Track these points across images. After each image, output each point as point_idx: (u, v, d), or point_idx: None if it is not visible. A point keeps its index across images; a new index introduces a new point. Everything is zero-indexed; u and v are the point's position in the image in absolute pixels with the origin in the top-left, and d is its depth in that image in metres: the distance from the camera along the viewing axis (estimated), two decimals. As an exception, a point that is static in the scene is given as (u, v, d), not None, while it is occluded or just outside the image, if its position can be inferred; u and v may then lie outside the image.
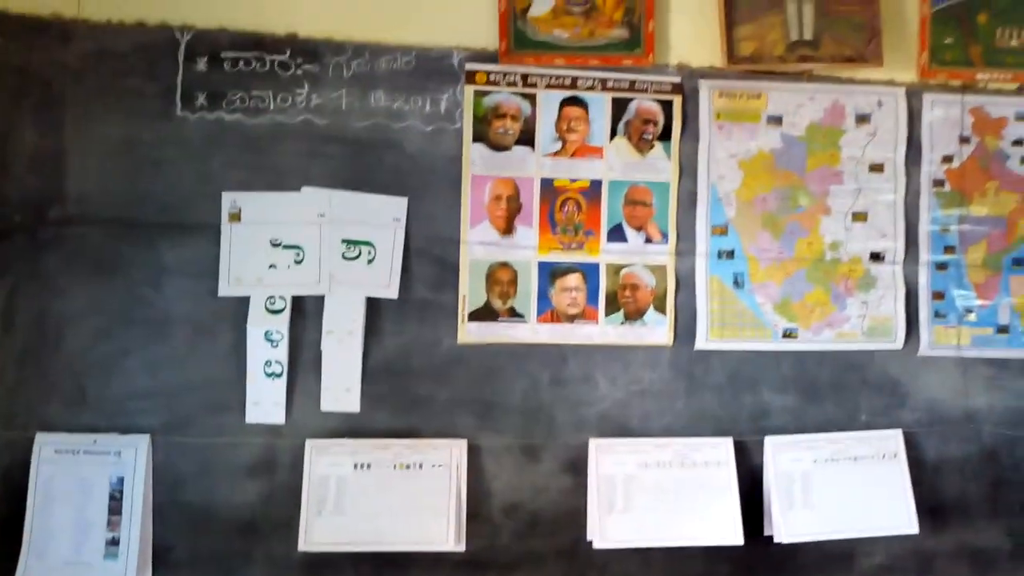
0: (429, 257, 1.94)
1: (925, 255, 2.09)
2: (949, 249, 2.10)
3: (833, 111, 2.07)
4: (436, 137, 1.95)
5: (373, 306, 1.92)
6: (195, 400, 1.87)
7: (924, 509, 2.01)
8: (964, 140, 2.11)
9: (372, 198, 1.92)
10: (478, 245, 1.96)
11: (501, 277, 1.97)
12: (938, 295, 2.10)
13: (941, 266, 2.10)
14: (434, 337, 1.94)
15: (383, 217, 1.92)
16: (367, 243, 1.92)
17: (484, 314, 1.95)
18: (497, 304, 1.96)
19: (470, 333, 1.95)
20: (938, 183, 2.10)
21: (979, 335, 2.10)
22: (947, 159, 2.10)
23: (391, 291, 1.91)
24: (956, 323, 2.09)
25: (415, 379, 1.94)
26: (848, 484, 1.99)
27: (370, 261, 1.91)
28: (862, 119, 2.07)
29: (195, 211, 1.88)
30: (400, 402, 1.93)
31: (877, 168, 2.08)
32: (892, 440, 2.04)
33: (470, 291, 1.95)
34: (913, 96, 2.09)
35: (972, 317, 2.10)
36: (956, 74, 2.11)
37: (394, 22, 1.94)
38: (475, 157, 1.96)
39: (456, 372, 1.94)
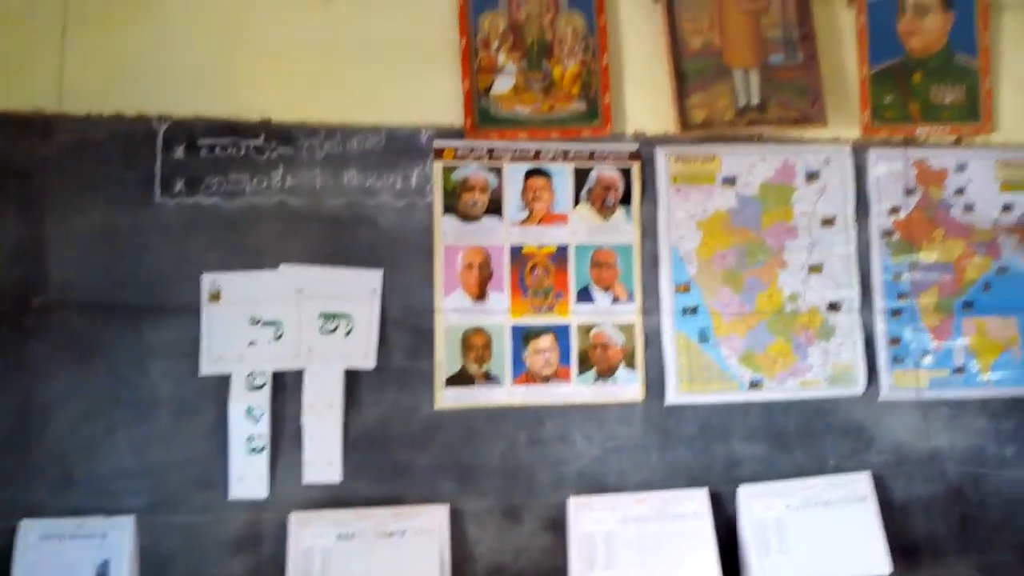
0: (405, 326, 2.03)
1: (880, 302, 2.21)
2: (902, 296, 2.23)
3: (784, 170, 2.21)
4: (408, 211, 2.06)
5: (352, 377, 1.99)
6: (179, 478, 1.92)
7: (896, 548, 2.09)
8: (909, 191, 2.26)
9: (348, 272, 2.02)
10: (452, 312, 2.05)
11: (476, 342, 2.06)
12: (895, 340, 2.22)
13: (896, 312, 2.23)
14: (412, 404, 2.02)
15: (360, 290, 2.02)
16: (344, 316, 2.00)
17: (460, 379, 2.04)
18: (473, 369, 2.05)
19: (447, 399, 2.03)
20: (887, 233, 2.24)
21: (936, 377, 2.22)
22: (894, 210, 2.24)
23: (369, 361, 1.99)
24: (914, 366, 2.21)
25: (395, 446, 2.01)
26: (821, 528, 2.07)
27: (348, 333, 2.00)
28: (812, 176, 2.22)
29: (175, 293, 1.95)
30: (381, 470, 2.00)
31: (829, 222, 2.21)
32: (861, 483, 2.13)
33: (446, 357, 2.03)
34: (858, 152, 2.24)
35: (929, 360, 2.21)
36: (897, 130, 2.27)
37: (363, 104, 2.06)
38: (446, 228, 2.06)
39: (435, 438, 2.02)
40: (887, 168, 2.23)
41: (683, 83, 2.13)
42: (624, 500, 2.02)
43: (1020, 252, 2.27)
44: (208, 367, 1.92)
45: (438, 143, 2.06)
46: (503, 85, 2.08)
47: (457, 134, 2.07)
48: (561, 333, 2.09)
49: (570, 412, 2.07)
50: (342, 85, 2.06)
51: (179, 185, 1.96)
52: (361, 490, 1.97)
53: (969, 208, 2.26)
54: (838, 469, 2.15)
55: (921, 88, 2.26)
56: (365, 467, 1.98)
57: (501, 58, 2.09)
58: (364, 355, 1.98)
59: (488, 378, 2.04)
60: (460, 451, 2.01)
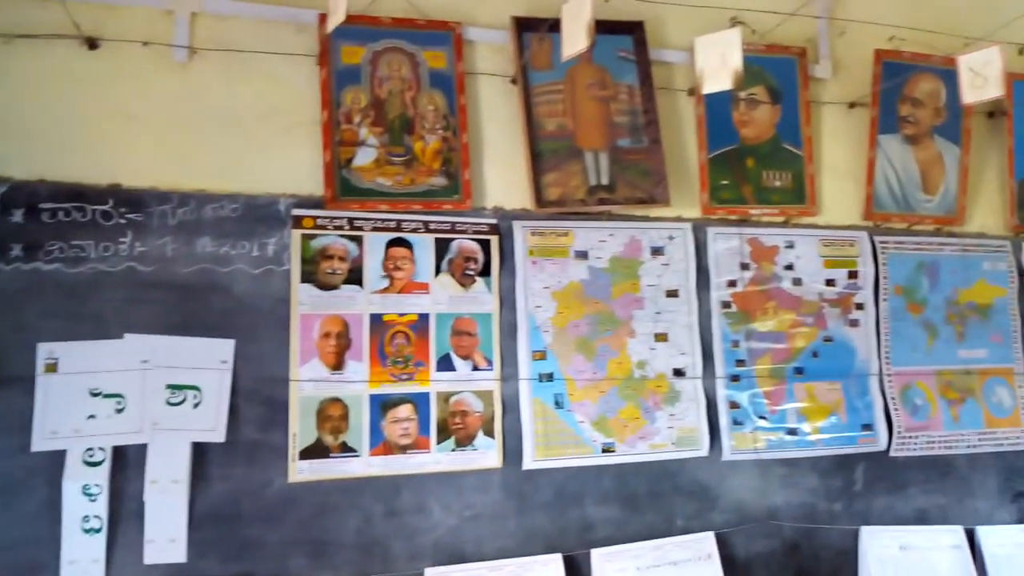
0: (258, 397, 2.03)
1: (720, 369, 2.41)
2: (740, 362, 2.44)
3: (631, 245, 2.40)
4: (264, 279, 2.08)
5: (199, 451, 1.96)
6: (5, 563, 1.81)
7: (738, 605, 2.23)
8: (744, 267, 2.50)
9: (198, 342, 2.00)
10: (308, 382, 2.07)
11: (332, 412, 2.08)
12: (734, 404, 2.42)
13: (735, 378, 2.43)
14: (264, 478, 2.00)
15: (210, 360, 2.00)
16: (193, 387, 1.98)
17: (315, 451, 2.05)
18: (329, 440, 2.07)
19: (301, 471, 2.03)
20: (725, 305, 2.46)
21: (772, 439, 2.43)
22: (731, 283, 2.47)
23: (218, 434, 1.97)
24: (752, 429, 2.41)
25: (245, 523, 1.98)
26: (670, 588, 2.19)
27: (196, 405, 1.97)
28: (657, 251, 2.42)
29: (8, 364, 1.87)
30: (229, 548, 1.96)
31: (673, 294, 2.41)
32: (706, 542, 2.28)
33: (300, 429, 2.04)
34: (699, 230, 2.46)
35: (765, 423, 2.43)
36: (733, 210, 2.52)
37: (220, 172, 2.09)
38: (303, 297, 2.10)
39: (288, 512, 2.00)
40: (725, 245, 2.47)
41: (538, 162, 2.29)
42: (480, 569, 2.07)
43: (842, 322, 2.55)
44: (40, 442, 1.84)
45: (297, 212, 2.10)
46: (365, 158, 2.17)
47: (317, 204, 2.12)
48: (421, 402, 2.14)
49: (428, 481, 2.11)
50: (198, 151, 2.07)
51: (16, 250, 1.91)
52: (208, 570, 1.92)
53: (797, 282, 2.52)
54: (686, 529, 2.29)
55: (754, 173, 2.53)
56: (212, 545, 1.94)
57: (363, 132, 2.18)
58: (213, 428, 1.96)
59: (345, 449, 2.06)
60: (313, 525, 2.01)
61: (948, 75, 2.38)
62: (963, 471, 2.59)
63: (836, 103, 2.65)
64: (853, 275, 2.55)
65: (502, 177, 2.28)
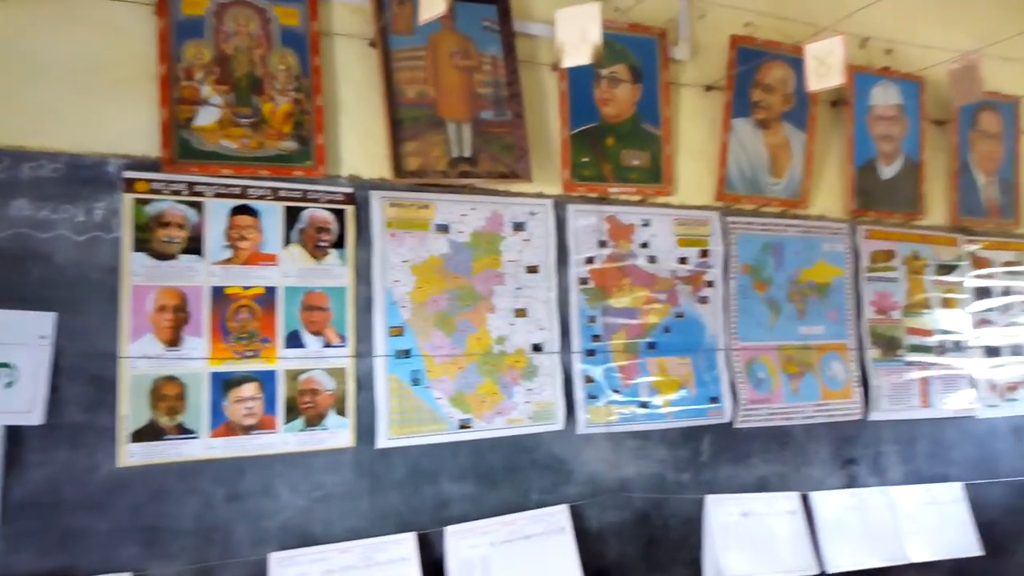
0: (83, 376, 1.90)
1: (577, 344, 2.48)
2: (596, 338, 2.52)
3: (493, 220, 2.41)
4: (91, 247, 1.93)
5: (14, 435, 1.81)
6: None
7: (591, 574, 2.33)
8: (602, 244, 2.58)
9: (12, 315, 1.84)
10: (141, 359, 1.95)
11: (168, 392, 1.97)
12: (590, 379, 2.50)
13: (591, 353, 2.51)
14: (89, 463, 1.88)
15: (25, 336, 1.85)
16: (6, 365, 1.83)
17: (148, 433, 1.94)
18: (164, 421, 1.96)
19: (132, 455, 1.92)
20: (583, 281, 2.53)
21: (625, 412, 2.53)
22: (589, 260, 2.54)
23: (35, 416, 1.83)
24: (606, 403, 2.50)
25: (67, 511, 1.85)
26: (524, 562, 2.25)
27: (9, 385, 1.82)
28: (518, 227, 2.44)
29: None
30: (49, 540, 1.83)
31: (533, 269, 2.45)
32: (560, 515, 2.35)
33: (131, 409, 1.93)
34: (559, 207, 2.51)
35: (619, 396, 2.52)
36: (593, 188, 2.58)
37: (39, 127, 1.92)
38: (136, 267, 1.97)
39: (117, 499, 1.90)
40: (584, 222, 2.53)
41: (398, 130, 2.25)
42: (329, 551, 2.04)
43: (694, 299, 2.68)
44: None
45: (129, 174, 1.97)
46: (207, 118, 2.05)
47: (153, 166, 1.99)
48: (267, 380, 2.08)
49: (275, 463, 2.06)
50: (12, 104, 1.89)
51: None
52: (22, 564, 1.79)
53: (652, 260, 2.63)
54: (540, 503, 2.35)
55: (613, 151, 2.61)
56: (28, 537, 1.81)
57: (205, 90, 2.06)
58: (29, 409, 1.81)
59: (182, 430, 1.97)
60: (146, 512, 1.91)
61: (797, 63, 2.53)
62: (800, 441, 2.81)
63: (694, 85, 2.77)
64: (704, 254, 2.69)
65: (359, 144, 2.23)
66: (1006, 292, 3.36)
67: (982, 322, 3.27)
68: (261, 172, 2.09)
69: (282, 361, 2.08)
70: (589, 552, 2.35)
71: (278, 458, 2.04)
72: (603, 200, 2.57)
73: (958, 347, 3.18)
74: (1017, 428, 3.30)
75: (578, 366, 2.44)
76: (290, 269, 2.11)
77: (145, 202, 1.97)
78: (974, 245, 3.29)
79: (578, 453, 2.42)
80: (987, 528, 3.02)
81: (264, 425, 2.03)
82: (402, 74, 2.27)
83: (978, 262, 3.29)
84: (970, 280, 3.26)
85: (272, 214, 2.11)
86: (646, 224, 2.62)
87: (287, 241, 2.12)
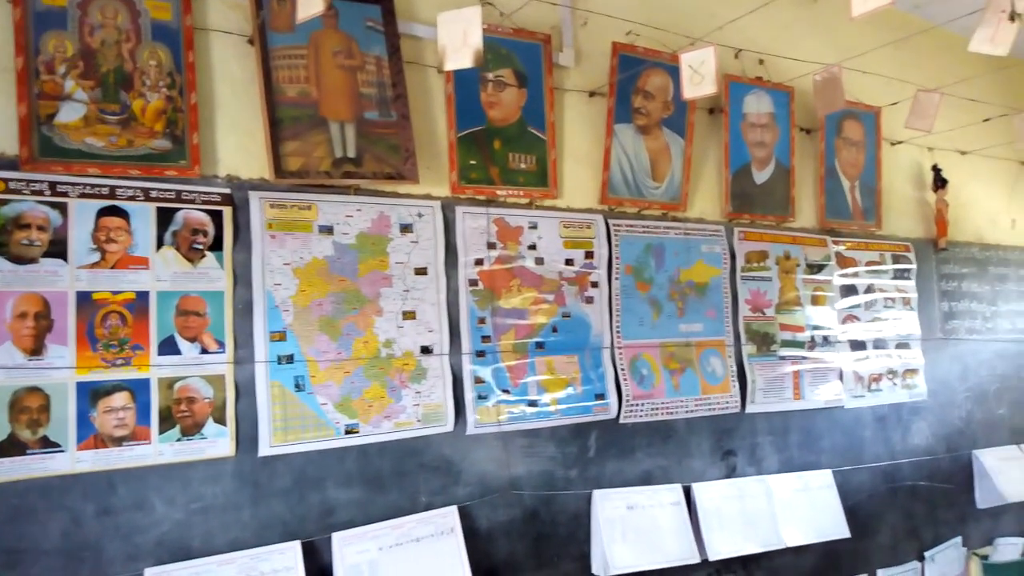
0: (-70, 389, 1.79)
1: (467, 345, 2.53)
2: (486, 339, 2.58)
3: (380, 221, 2.43)
4: (-62, 251, 1.83)
5: None
6: None
7: (481, 574, 2.38)
8: (491, 246, 2.64)
9: None
10: (-2, 370, 1.86)
11: (29, 403, 1.89)
12: (479, 380, 2.55)
13: (480, 354, 2.57)
14: (-61, 483, 1.77)
15: None
16: None
17: (8, 448, 1.86)
18: (25, 435, 1.88)
19: (-11, 472, 1.83)
20: (473, 283, 2.58)
21: (515, 411, 2.60)
22: (479, 262, 2.60)
23: None
24: (495, 403, 2.56)
25: (-88, 537, 1.74)
26: (413, 565, 2.28)
27: None
28: (405, 228, 2.47)
29: None
30: None
31: (422, 271, 2.49)
32: (449, 516, 2.40)
33: (-12, 424, 1.83)
34: (448, 208, 2.56)
35: (508, 396, 2.59)
36: (481, 190, 2.64)
37: None
38: (-8, 272, 1.88)
39: (-30, 520, 1.80)
40: (473, 224, 2.59)
41: (278, 130, 2.23)
42: (208, 564, 2.01)
43: (579, 299, 2.78)
44: None
45: (-18, 173, 1.87)
46: (71, 114, 1.98)
47: (10, 164, 1.91)
48: (139, 389, 2.02)
49: (149, 475, 2.01)
50: None
51: None
52: None
53: (540, 261, 2.71)
54: (430, 505, 2.39)
55: (500, 154, 2.68)
56: None
57: (69, 84, 1.99)
58: None
59: (46, 444, 1.89)
60: (6, 533, 1.83)
61: (675, 71, 2.67)
62: (682, 434, 2.97)
63: (578, 91, 2.88)
64: (589, 255, 2.80)
65: (237, 144, 2.20)
66: (869, 290, 3.65)
67: (848, 318, 3.54)
68: (131, 171, 2.04)
69: (156, 369, 2.03)
70: (479, 552, 2.40)
71: (153, 470, 2.00)
72: (491, 202, 2.63)
73: (827, 342, 3.44)
74: (880, 417, 3.60)
75: (468, 367, 2.50)
76: (163, 273, 2.06)
77: (2, 203, 1.89)
78: (840, 246, 3.56)
79: (468, 454, 2.47)
80: (854, 511, 3.29)
81: (137, 436, 1.98)
82: (282, 72, 2.26)
83: (844, 262, 3.56)
84: (837, 279, 3.52)
85: (143, 215, 2.06)
86: (533, 226, 2.70)
87: (160, 243, 2.07)
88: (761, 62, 3.31)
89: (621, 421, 2.77)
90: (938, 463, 3.78)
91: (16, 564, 1.82)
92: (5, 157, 1.91)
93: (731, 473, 3.06)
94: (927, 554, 3.62)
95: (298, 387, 2.20)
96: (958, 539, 3.75)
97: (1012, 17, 2.41)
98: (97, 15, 2.03)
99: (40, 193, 1.94)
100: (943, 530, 3.73)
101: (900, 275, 3.74)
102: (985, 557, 3.92)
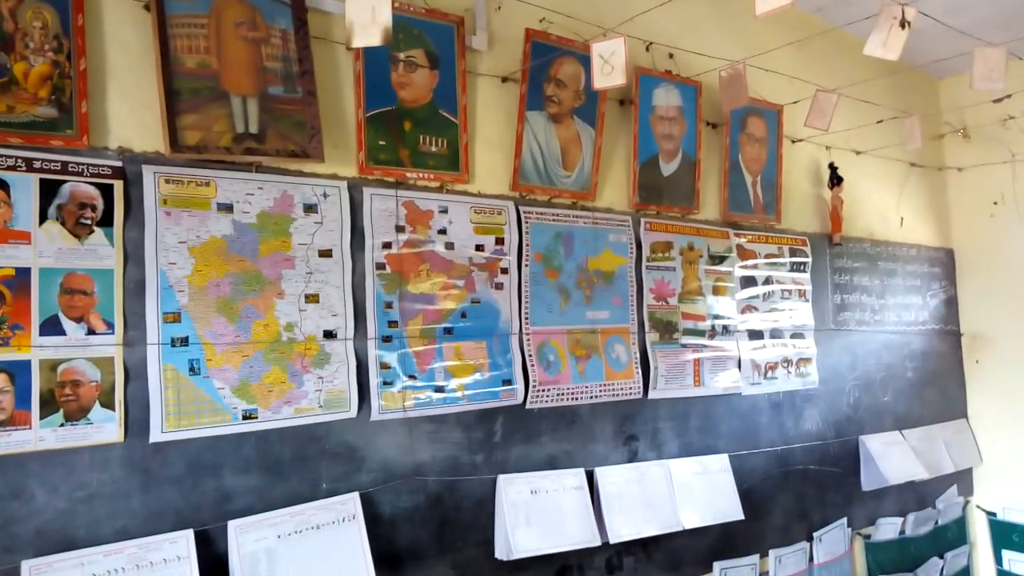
0: None
1: (373, 330, 2.52)
2: (393, 324, 2.57)
3: (283, 201, 2.38)
4: None
5: None
6: None
7: (383, 560, 2.38)
8: (400, 229, 2.62)
9: None
10: None
11: None
12: (385, 365, 2.54)
13: (387, 339, 2.55)
14: None
15: None
16: None
17: None
18: None
19: None
20: (380, 266, 2.56)
21: (421, 397, 2.60)
22: (387, 245, 2.58)
23: None
24: (401, 388, 2.56)
25: None
26: (312, 552, 2.26)
27: None
28: (310, 208, 2.43)
29: None
30: None
31: (326, 253, 2.45)
32: (350, 503, 2.38)
33: None
34: (355, 189, 2.52)
35: (414, 382, 2.59)
36: (390, 172, 2.62)
37: None
38: None
39: None
40: (381, 206, 2.56)
41: (175, 102, 2.15)
42: (94, 554, 1.94)
43: (489, 285, 2.80)
44: None
45: None
46: (-59, 75, 1.85)
47: None
48: (19, 370, 1.93)
49: (29, 462, 1.92)
50: None
51: None
52: None
53: (450, 246, 2.72)
54: (331, 492, 2.37)
55: (411, 136, 2.66)
56: None
57: (-61, 42, 1.85)
58: None
59: (-90, 429, 1.77)
60: None
61: (587, 61, 2.71)
62: (586, 419, 3.03)
63: (490, 76, 2.88)
64: (500, 242, 2.82)
65: (131, 115, 2.12)
66: (768, 281, 3.82)
67: (747, 308, 3.69)
68: (11, 140, 1.93)
69: (37, 350, 1.93)
70: (381, 538, 2.41)
71: (33, 456, 1.91)
72: (400, 185, 2.62)
73: (726, 331, 3.58)
74: (775, 403, 3.78)
75: (373, 352, 2.48)
76: (47, 248, 1.97)
77: None
78: (741, 238, 3.71)
79: (371, 440, 2.46)
80: (749, 494, 3.44)
81: (16, 421, 1.89)
82: (180, 41, 2.18)
83: (744, 254, 3.71)
84: (737, 270, 3.67)
85: (25, 186, 1.96)
86: (444, 211, 2.71)
87: (43, 218, 1.97)
88: (671, 56, 3.39)
89: (527, 407, 2.82)
90: (827, 448, 4.00)
91: None
92: None
93: (633, 457, 3.15)
94: (815, 535, 3.83)
95: (193, 371, 2.14)
96: (843, 520, 3.98)
97: (903, 24, 2.57)
98: (-26, -31, 1.90)
99: (-94, 159, 1.80)
100: (831, 511, 3.96)
101: (797, 268, 3.92)
102: (868, 536, 4.19)
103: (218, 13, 2.25)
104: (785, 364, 3.79)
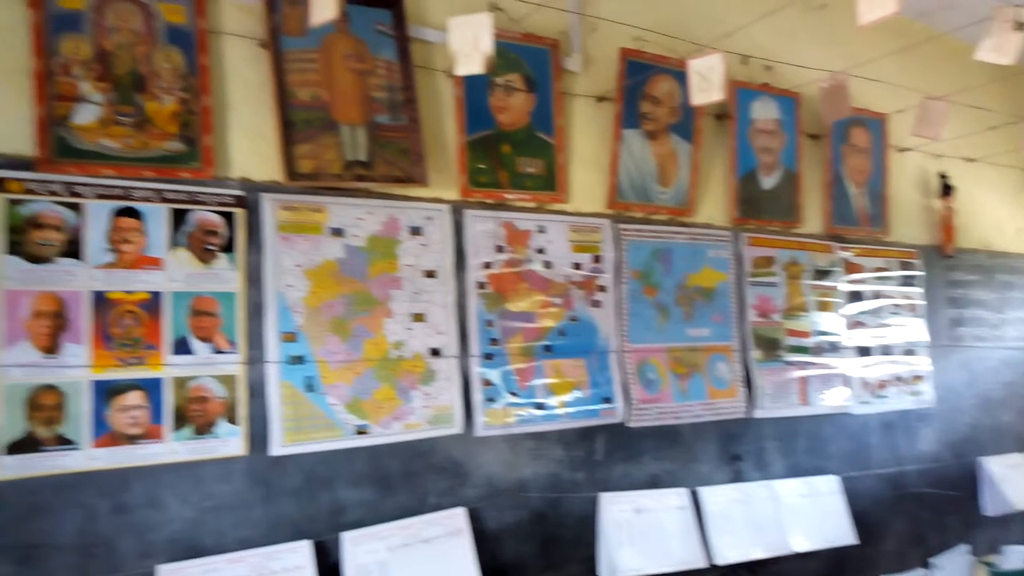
0: (-51, 386, 1.83)
1: (475, 348, 2.57)
2: (494, 341, 2.62)
3: (390, 224, 2.47)
4: (-43, 250, 1.87)
5: None
6: None
7: (488, 574, 2.41)
8: (499, 249, 2.68)
9: None
10: (15, 368, 1.91)
11: (45, 401, 1.93)
12: (487, 382, 2.59)
13: (488, 356, 2.60)
14: (-44, 479, 1.81)
15: None
16: None
17: (25, 445, 1.90)
18: (41, 432, 1.92)
19: (7, 468, 1.87)
20: (481, 286, 2.62)
21: (522, 414, 2.63)
22: (487, 265, 2.64)
23: None
24: (503, 405, 2.60)
25: (-70, 532, 1.78)
26: (422, 565, 2.31)
27: None
28: (415, 231, 2.51)
29: None
30: (-92, 562, 1.75)
31: (431, 274, 2.53)
32: (457, 517, 2.43)
33: (6, 420, 1.88)
34: (457, 212, 2.60)
35: (516, 398, 2.63)
36: (490, 194, 2.69)
37: (-103, 122, 1.84)
38: (9, 271, 1.92)
39: (-13, 516, 1.84)
40: (481, 227, 2.63)
41: (290, 133, 2.28)
42: (219, 562, 2.04)
43: (587, 303, 2.82)
44: None
45: (1, 173, 1.92)
46: (86, 116, 2.03)
47: (27, 165, 1.95)
48: (153, 388, 2.06)
49: (162, 473, 2.04)
50: None
51: None
52: None
53: (548, 265, 2.75)
54: (438, 506, 2.42)
55: (509, 159, 2.72)
56: None
57: (85, 86, 2.03)
58: None
59: (61, 441, 1.93)
60: (22, 528, 1.86)
61: (683, 77, 2.71)
62: (689, 439, 2.99)
63: (586, 96, 2.92)
64: (597, 259, 2.84)
65: (250, 146, 2.25)
66: (876, 296, 3.68)
67: (855, 324, 3.57)
68: (145, 173, 2.08)
69: (169, 368, 2.07)
70: (487, 553, 2.43)
71: (166, 468, 2.03)
72: (500, 206, 2.67)
73: (833, 348, 3.47)
74: (886, 423, 3.63)
75: (476, 370, 2.53)
76: (177, 273, 2.11)
77: (19, 203, 1.94)
78: (847, 252, 3.60)
79: (476, 455, 2.51)
80: (861, 517, 3.31)
81: (151, 434, 2.02)
82: (294, 76, 2.31)
83: (851, 268, 3.60)
84: (843, 285, 3.55)
85: (157, 216, 2.10)
86: (542, 230, 2.75)
87: (174, 244, 2.12)
88: (768, 68, 3.34)
89: (628, 425, 2.81)
90: (944, 470, 3.80)
91: (31, 559, 1.85)
92: (22, 158, 1.95)
93: (737, 478, 3.08)
94: (932, 560, 3.63)
95: (309, 388, 2.24)
96: (965, 546, 3.76)
97: (1018, 27, 2.46)
98: (112, 18, 2.08)
99: (56, 194, 1.98)
100: (949, 537, 3.75)
101: (907, 282, 3.77)
102: (992, 564, 3.94)
103: (328, 48, 2.36)
104: (897, 382, 3.64)
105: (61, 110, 2.00)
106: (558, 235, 2.77)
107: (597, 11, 2.90)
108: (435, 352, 2.47)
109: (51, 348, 1.94)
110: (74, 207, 2.00)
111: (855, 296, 3.58)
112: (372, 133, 2.40)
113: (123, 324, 2.03)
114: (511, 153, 2.70)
